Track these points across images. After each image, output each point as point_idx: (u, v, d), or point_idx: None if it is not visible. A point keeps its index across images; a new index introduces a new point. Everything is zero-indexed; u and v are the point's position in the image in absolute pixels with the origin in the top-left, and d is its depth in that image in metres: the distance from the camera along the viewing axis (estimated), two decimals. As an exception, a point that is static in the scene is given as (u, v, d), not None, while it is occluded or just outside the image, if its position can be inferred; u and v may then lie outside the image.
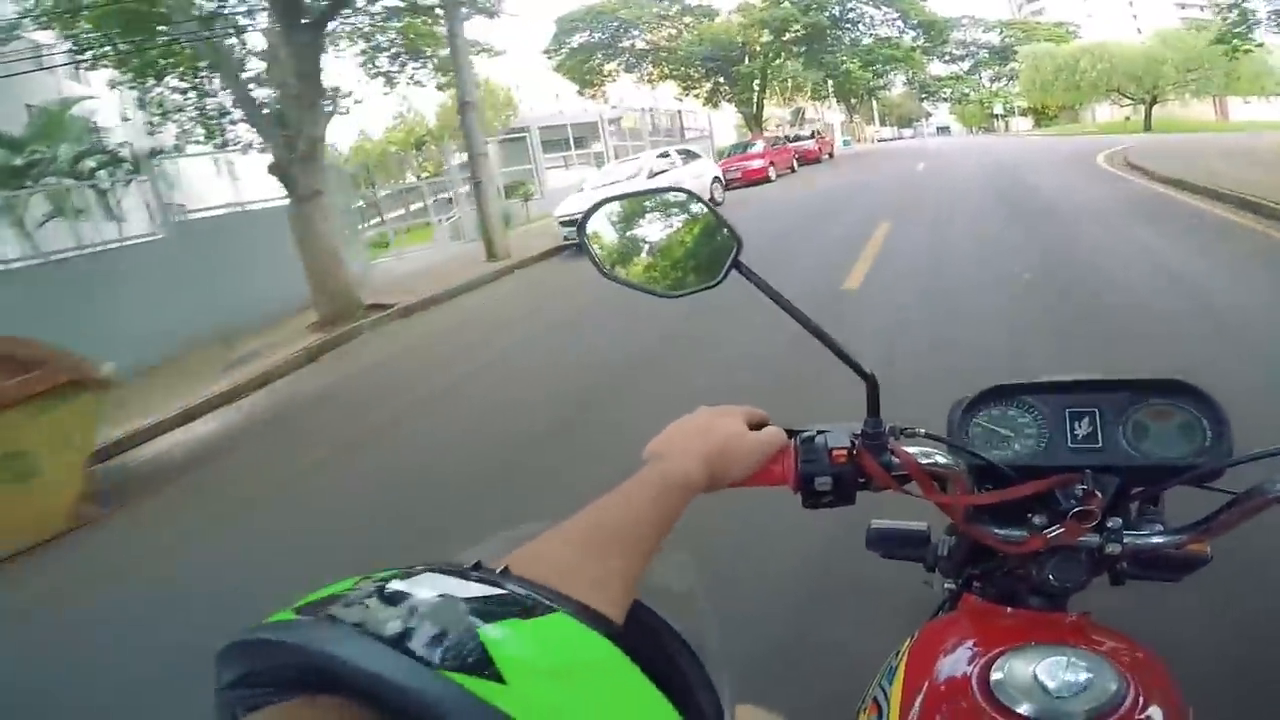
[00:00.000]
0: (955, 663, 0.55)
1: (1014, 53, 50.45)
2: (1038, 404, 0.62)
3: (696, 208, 0.62)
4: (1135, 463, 0.58)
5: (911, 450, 0.57)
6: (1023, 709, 0.46)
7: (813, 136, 23.81)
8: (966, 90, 54.13)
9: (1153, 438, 0.59)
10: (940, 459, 0.57)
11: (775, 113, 46.45)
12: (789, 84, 42.72)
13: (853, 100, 55.18)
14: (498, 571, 0.30)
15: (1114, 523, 0.56)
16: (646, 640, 0.34)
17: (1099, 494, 0.54)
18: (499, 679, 0.21)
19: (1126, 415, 0.59)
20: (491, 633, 0.23)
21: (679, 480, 0.45)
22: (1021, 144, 25.33)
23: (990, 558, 0.64)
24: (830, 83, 41.31)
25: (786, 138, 23.90)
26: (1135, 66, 28.30)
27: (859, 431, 0.57)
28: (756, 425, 0.56)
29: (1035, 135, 35.32)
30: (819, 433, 0.57)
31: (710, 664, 0.35)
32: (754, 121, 33.33)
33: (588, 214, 0.62)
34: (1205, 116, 31.73)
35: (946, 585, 0.71)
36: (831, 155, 24.23)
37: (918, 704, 0.53)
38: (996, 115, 50.59)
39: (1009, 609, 0.63)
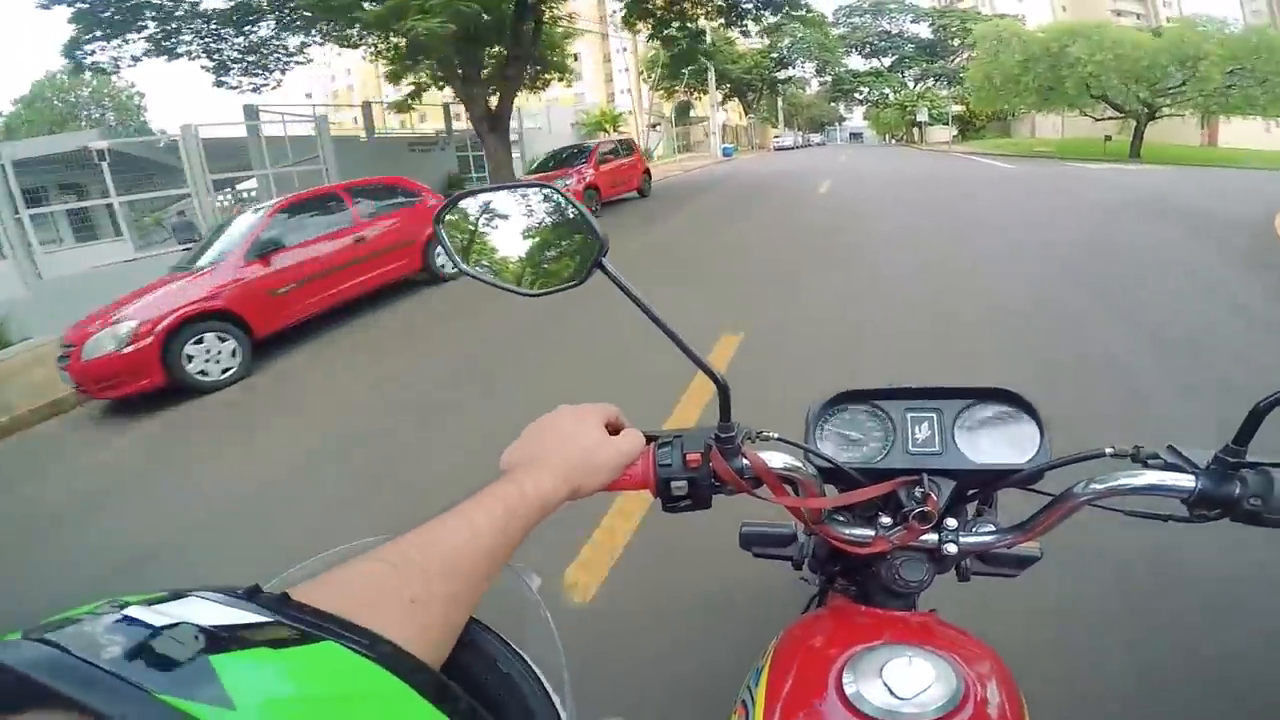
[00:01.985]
0: (813, 663, 0.56)
1: (947, 47, 43.46)
2: (884, 409, 0.64)
3: (563, 205, 0.59)
4: (968, 466, 0.60)
5: (763, 454, 0.57)
6: (871, 710, 0.48)
7: (615, 154, 13.26)
8: (887, 90, 46.06)
9: (983, 443, 0.62)
10: (791, 462, 0.58)
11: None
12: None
13: (749, 96, 46.01)
14: (275, 597, 0.28)
15: (951, 523, 0.60)
16: (478, 661, 0.33)
17: (934, 496, 0.57)
18: (226, 704, 0.20)
19: (961, 421, 0.62)
20: (227, 661, 0.22)
21: (537, 499, 0.45)
22: (959, 170, 16.73)
23: (847, 557, 0.67)
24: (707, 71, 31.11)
25: (570, 153, 13.55)
26: (1142, 63, 19.31)
27: (712, 436, 0.57)
28: (614, 429, 0.56)
29: (966, 151, 26.56)
30: (675, 437, 0.57)
31: (552, 681, 0.35)
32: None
33: (445, 207, 0.60)
34: (1188, 139, 23.54)
35: (818, 581, 0.79)
36: (643, 190, 14.41)
37: (779, 706, 0.54)
38: (918, 123, 42.38)
39: (864, 607, 0.66)
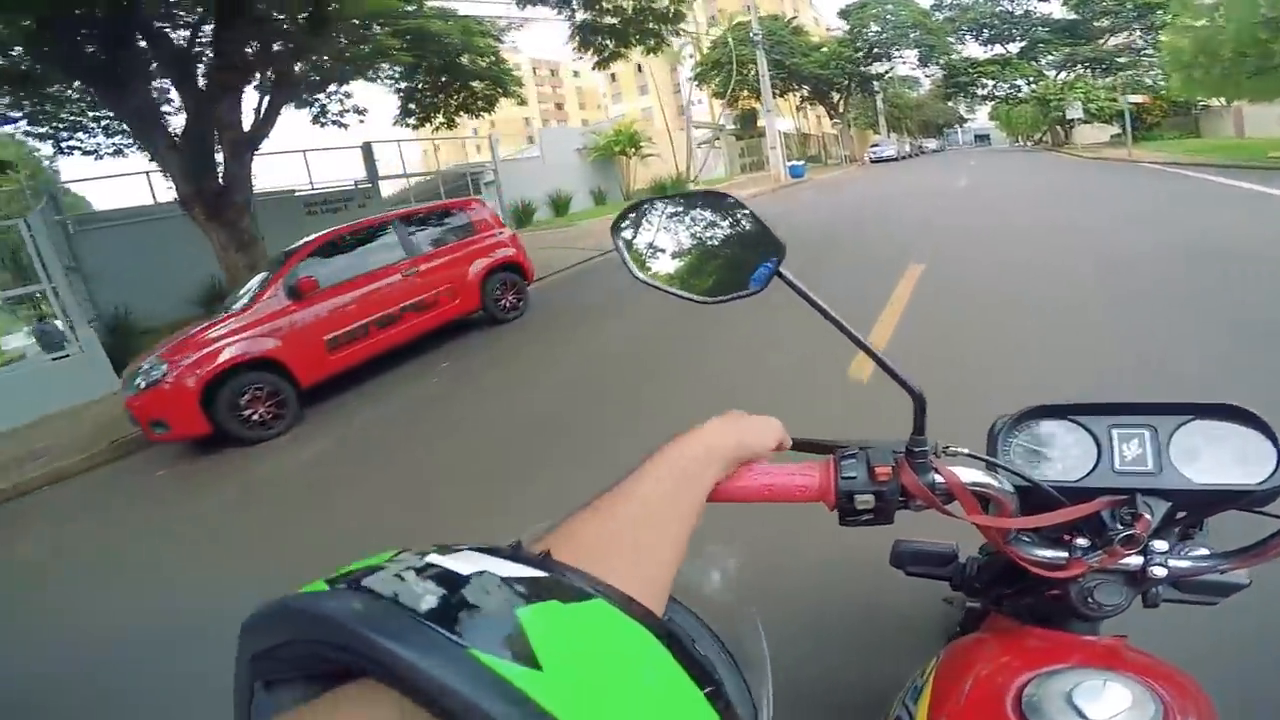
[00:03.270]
0: (986, 682, 0.54)
1: (1092, 28, 33.04)
2: (1084, 424, 0.61)
3: (739, 213, 0.60)
4: (1186, 486, 0.57)
5: (955, 470, 0.55)
6: None
7: (405, 244, 6.56)
8: (1019, 81, 35.95)
9: (1205, 461, 0.57)
10: (984, 479, 0.55)
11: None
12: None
13: (834, 96, 37.56)
14: (538, 554, 0.28)
15: (1159, 546, 0.56)
16: (679, 640, 0.31)
17: (1147, 518, 0.54)
18: (534, 664, 0.20)
19: (1177, 438, 0.59)
20: (529, 615, 0.22)
21: (710, 453, 0.45)
22: (1206, 204, 7.80)
23: (1022, 578, 0.63)
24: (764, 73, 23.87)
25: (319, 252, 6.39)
26: None
27: (901, 449, 0.55)
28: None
29: (1156, 159, 16.62)
30: (860, 449, 0.55)
31: (751, 676, 0.34)
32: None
33: (622, 215, 0.62)
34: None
35: (969, 604, 0.75)
36: (501, 308, 7.63)
37: None
38: (1066, 121, 32.09)
39: (1042, 630, 0.63)
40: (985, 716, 0.50)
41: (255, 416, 4.83)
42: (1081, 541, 0.57)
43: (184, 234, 9.71)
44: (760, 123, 30.79)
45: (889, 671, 0.70)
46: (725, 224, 0.61)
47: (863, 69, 36.04)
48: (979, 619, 0.73)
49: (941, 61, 36.07)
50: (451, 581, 0.22)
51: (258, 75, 8.12)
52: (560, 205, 20.85)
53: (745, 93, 31.22)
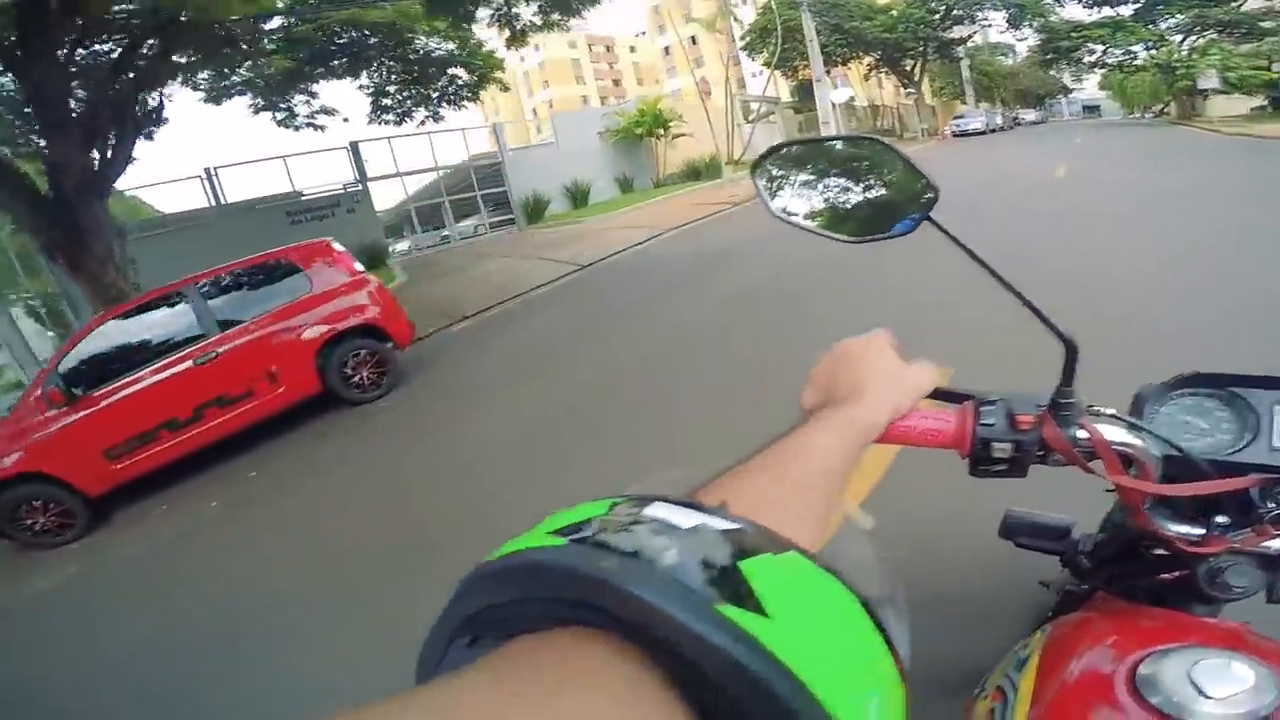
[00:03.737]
0: (1098, 658, 0.53)
1: None
2: (1243, 397, 0.58)
3: (887, 156, 0.60)
4: None
5: (1100, 427, 0.53)
6: (1171, 709, 0.45)
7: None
8: (1136, 47, 30.42)
9: None
10: (1130, 440, 0.53)
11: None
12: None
13: (906, 64, 33.14)
14: (719, 506, 0.27)
15: None
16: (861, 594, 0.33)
17: None
18: (763, 613, 0.20)
19: None
20: (749, 567, 0.22)
21: (866, 419, 0.44)
22: None
23: (1140, 556, 0.64)
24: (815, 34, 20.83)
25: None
26: None
27: (1045, 401, 0.53)
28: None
29: None
30: (999, 398, 0.53)
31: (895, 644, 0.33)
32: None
33: (764, 156, 0.62)
34: None
35: (1068, 588, 0.73)
36: (350, 388, 5.63)
37: (1051, 695, 0.52)
38: (1198, 91, 26.74)
39: (1159, 609, 0.61)
40: (1098, 689, 0.50)
41: (38, 526, 4.38)
42: (1221, 519, 0.55)
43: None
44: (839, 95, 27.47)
45: (976, 650, 0.71)
46: (871, 167, 0.61)
47: (940, 33, 31.49)
48: (1077, 603, 0.70)
49: (1036, 24, 30.99)
50: (681, 535, 0.22)
51: (94, 108, 6.70)
52: (578, 196, 18.82)
53: (801, 62, 27.89)
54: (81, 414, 4.53)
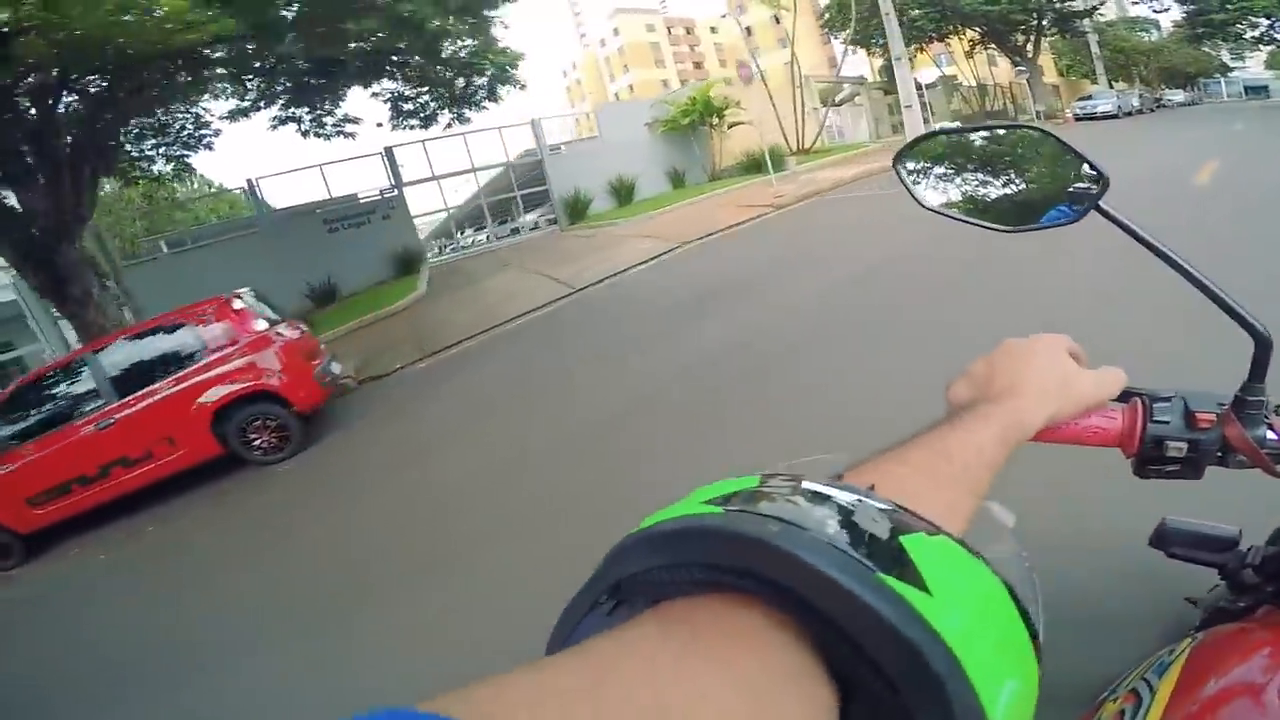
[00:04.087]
0: (1251, 668, 0.51)
1: None
2: None
3: (1046, 144, 0.58)
4: None
5: None
6: None
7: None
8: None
9: None
10: None
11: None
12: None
13: (1016, 38, 29.08)
14: (868, 489, 0.27)
15: None
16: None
17: None
18: (925, 589, 0.20)
19: None
20: (910, 543, 0.22)
21: (1017, 422, 0.42)
22: None
23: None
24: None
25: None
26: None
27: (1228, 398, 0.51)
28: (1080, 363, 0.51)
29: None
30: (1174, 394, 0.51)
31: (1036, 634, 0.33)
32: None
33: (910, 145, 0.62)
34: None
35: (1221, 605, 0.68)
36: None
37: (1192, 702, 0.50)
38: None
39: None
40: (1244, 698, 0.48)
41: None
42: None
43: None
44: (915, 74, 24.82)
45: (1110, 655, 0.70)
46: (1027, 155, 0.59)
47: (1056, 5, 27.25)
48: (1230, 619, 0.65)
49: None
50: (841, 508, 0.23)
51: (53, 155, 6.67)
52: (622, 193, 17.84)
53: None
54: (7, 467, 4.95)
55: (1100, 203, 0.51)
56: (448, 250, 17.57)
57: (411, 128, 12.21)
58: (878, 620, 0.19)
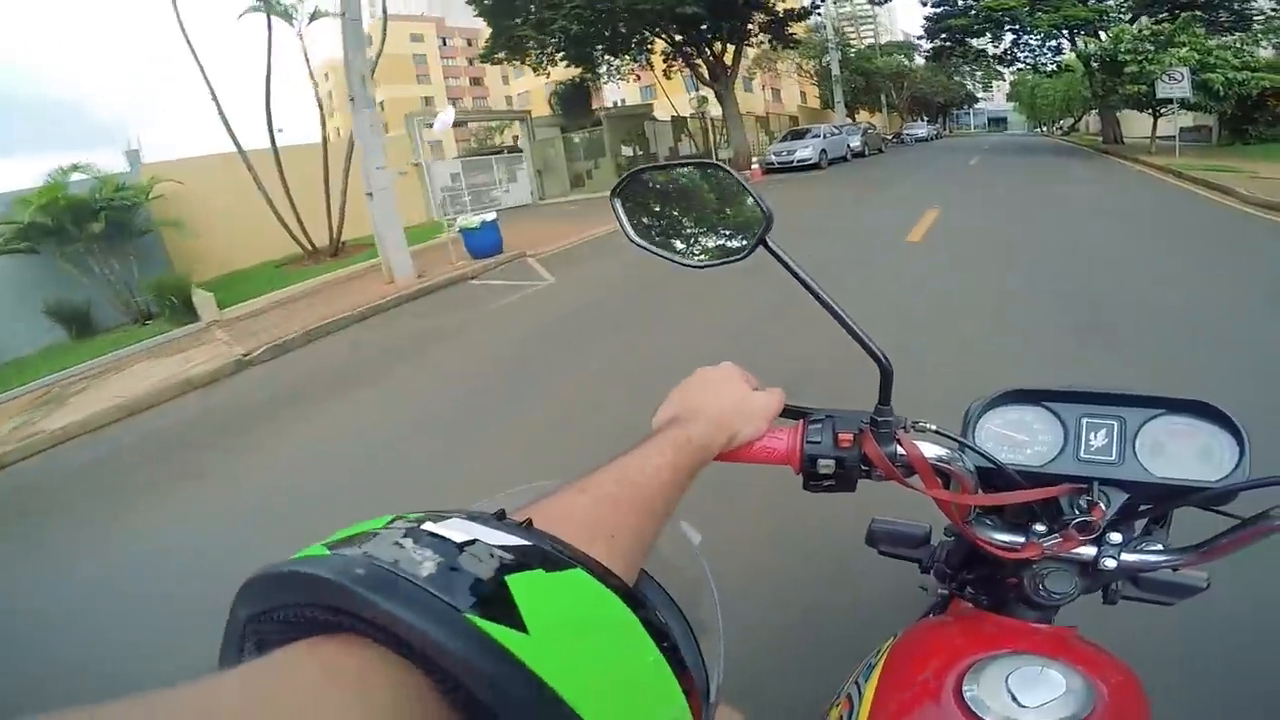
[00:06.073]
0: (932, 666, 0.54)
1: None
2: (1056, 410, 0.61)
3: (728, 181, 0.60)
4: (1145, 479, 0.57)
5: (919, 444, 0.55)
6: (989, 716, 0.46)
7: None
8: (1063, 39, 21.33)
9: (1169, 456, 0.57)
10: (946, 455, 0.56)
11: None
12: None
13: (716, 48, 19.96)
14: (521, 523, 0.29)
15: (1114, 538, 0.56)
16: (645, 607, 0.33)
17: (1103, 506, 0.55)
18: (521, 628, 0.21)
19: (1145, 431, 0.58)
20: (516, 582, 0.23)
21: (700, 444, 0.45)
22: None
23: (985, 564, 0.66)
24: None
25: None
26: None
27: (867, 419, 0.55)
28: (752, 386, 0.55)
29: None
30: (826, 416, 0.56)
31: (705, 642, 0.35)
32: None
33: (622, 182, 0.62)
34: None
35: (939, 590, 0.77)
36: None
37: (890, 703, 0.53)
38: (1158, 102, 17.06)
39: (996, 616, 0.63)
40: (926, 697, 0.51)
41: None
42: (1039, 527, 0.57)
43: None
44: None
45: (850, 651, 0.70)
46: (714, 191, 0.62)
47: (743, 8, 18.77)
48: (945, 604, 0.73)
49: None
50: (447, 549, 0.23)
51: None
52: None
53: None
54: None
55: (767, 239, 0.54)
56: None
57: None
58: (465, 661, 0.19)
